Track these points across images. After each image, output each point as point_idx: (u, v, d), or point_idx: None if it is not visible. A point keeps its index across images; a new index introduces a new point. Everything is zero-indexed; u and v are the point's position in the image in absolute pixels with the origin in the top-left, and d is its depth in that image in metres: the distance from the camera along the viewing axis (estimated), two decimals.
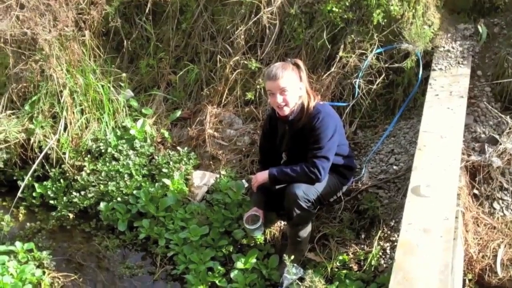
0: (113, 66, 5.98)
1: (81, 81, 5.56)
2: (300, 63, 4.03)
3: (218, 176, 5.09)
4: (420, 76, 4.98)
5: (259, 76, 5.53)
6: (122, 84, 5.86)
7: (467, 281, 3.89)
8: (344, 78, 5.20)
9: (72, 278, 4.59)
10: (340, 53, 5.20)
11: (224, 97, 5.63)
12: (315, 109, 3.98)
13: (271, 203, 4.33)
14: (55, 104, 5.55)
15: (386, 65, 5.07)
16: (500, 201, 4.21)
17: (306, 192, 3.95)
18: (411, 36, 4.99)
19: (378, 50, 5.10)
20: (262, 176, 4.15)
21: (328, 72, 5.22)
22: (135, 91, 6.07)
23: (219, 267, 4.38)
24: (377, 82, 5.08)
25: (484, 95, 4.80)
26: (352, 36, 5.20)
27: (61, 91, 5.52)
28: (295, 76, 3.96)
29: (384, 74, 5.07)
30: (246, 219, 4.29)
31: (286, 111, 3.99)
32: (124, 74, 5.93)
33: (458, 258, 3.62)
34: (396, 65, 5.04)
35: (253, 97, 5.53)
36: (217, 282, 4.29)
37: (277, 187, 4.18)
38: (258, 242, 4.51)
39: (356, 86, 5.09)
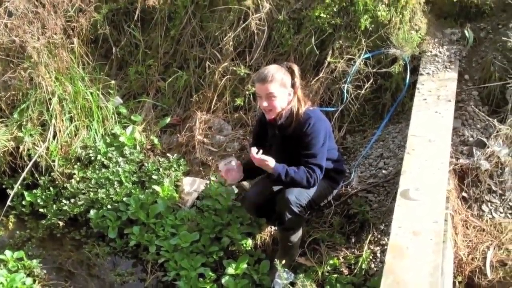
0: (101, 73, 5.98)
1: (70, 89, 5.54)
2: (295, 68, 3.97)
3: (208, 182, 5.09)
4: (407, 80, 5.01)
5: (248, 82, 5.55)
6: (111, 91, 5.86)
7: (457, 283, 3.91)
8: (332, 83, 5.22)
9: (63, 286, 4.58)
10: (328, 59, 5.23)
11: (213, 103, 5.64)
12: (305, 114, 3.97)
13: (262, 209, 4.34)
14: (44, 112, 5.53)
15: (374, 70, 5.10)
16: (489, 204, 4.24)
17: (298, 197, 3.95)
18: (398, 41, 5.03)
19: (366, 55, 5.14)
20: (267, 163, 3.92)
21: (317, 78, 5.25)
22: (124, 98, 6.07)
23: (210, 273, 4.38)
24: (365, 87, 5.11)
25: (472, 99, 4.83)
26: (340, 41, 5.23)
27: (50, 99, 5.50)
28: (286, 81, 3.90)
29: (372, 79, 5.11)
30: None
31: (271, 115, 3.98)
32: (113, 81, 5.93)
33: (448, 260, 3.64)
34: (384, 70, 5.07)
35: (242, 103, 5.54)
36: None
37: (274, 188, 4.20)
38: (249, 248, 4.52)
39: (345, 91, 5.12)
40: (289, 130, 4.01)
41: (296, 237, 4.20)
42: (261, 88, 3.89)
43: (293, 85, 3.95)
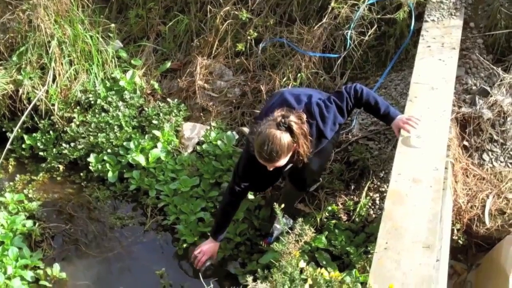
0: (101, 16, 5.87)
1: (69, 32, 5.46)
2: (293, 123, 3.38)
3: (208, 127, 5.08)
4: (412, 27, 4.93)
5: (249, 27, 5.46)
6: (111, 35, 5.78)
7: (455, 231, 3.95)
8: (335, 29, 5.14)
9: (63, 228, 4.63)
10: (332, 4, 5.12)
11: (214, 48, 5.56)
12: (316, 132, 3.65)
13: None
14: (43, 55, 5.45)
15: (378, 16, 5.01)
16: (490, 153, 4.23)
17: (318, 174, 4.12)
18: None
19: (371, 1, 5.03)
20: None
21: (320, 23, 5.16)
22: (124, 42, 6.00)
23: (209, 218, 4.42)
24: (369, 34, 5.03)
25: (476, 47, 4.77)
26: None
27: (49, 42, 5.42)
28: (290, 147, 3.42)
29: (376, 26, 5.02)
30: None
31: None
32: (112, 25, 5.83)
33: (447, 208, 3.65)
34: (388, 16, 4.98)
35: (243, 48, 5.47)
36: (207, 232, 4.33)
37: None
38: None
39: (348, 38, 5.04)
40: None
41: None
42: (267, 165, 3.53)
43: (295, 142, 3.50)
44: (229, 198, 3.98)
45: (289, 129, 3.37)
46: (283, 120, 3.35)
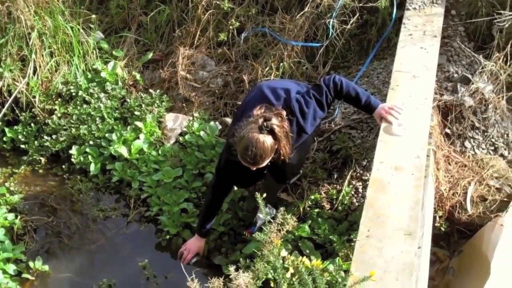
0: (82, 7, 5.81)
1: (50, 23, 5.41)
2: (275, 126, 3.33)
3: (191, 118, 5.06)
4: (394, 15, 4.93)
5: (231, 16, 5.43)
6: (92, 26, 5.71)
7: (437, 218, 3.97)
8: (317, 18, 5.13)
9: (46, 221, 4.59)
10: None
11: (196, 38, 5.53)
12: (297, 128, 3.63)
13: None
14: (23, 47, 5.40)
15: (360, 4, 5.00)
16: (472, 140, 4.26)
17: (298, 167, 4.08)
18: None
19: None
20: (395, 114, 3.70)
21: (302, 12, 5.14)
22: (105, 33, 5.93)
23: (193, 208, 4.41)
24: (351, 22, 5.02)
25: (458, 35, 4.78)
26: None
27: (29, 34, 5.37)
28: (273, 148, 3.37)
29: (358, 14, 5.02)
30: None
31: None
32: (93, 16, 5.76)
33: (429, 195, 3.66)
34: (370, 4, 4.98)
35: (226, 38, 5.44)
36: (190, 222, 4.33)
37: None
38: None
39: (330, 26, 5.03)
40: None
41: None
42: (250, 167, 3.49)
43: (277, 144, 3.40)
44: (212, 195, 3.98)
45: (271, 132, 3.33)
46: (265, 124, 3.32)
